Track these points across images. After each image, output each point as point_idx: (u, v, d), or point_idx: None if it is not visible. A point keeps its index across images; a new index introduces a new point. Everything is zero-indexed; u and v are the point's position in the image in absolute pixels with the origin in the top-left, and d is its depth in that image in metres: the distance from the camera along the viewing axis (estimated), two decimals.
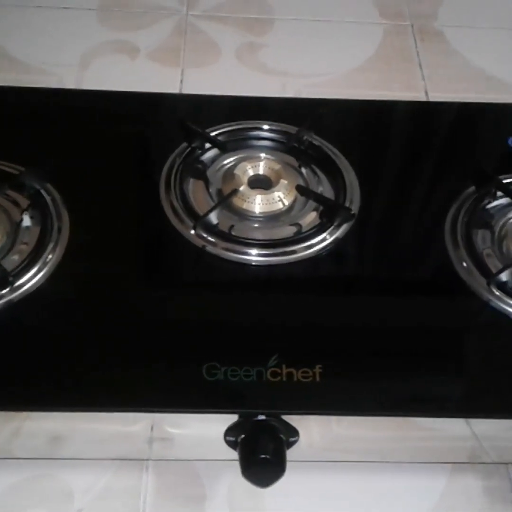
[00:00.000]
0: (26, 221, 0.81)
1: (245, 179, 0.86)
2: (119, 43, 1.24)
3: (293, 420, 0.70)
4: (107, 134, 0.94)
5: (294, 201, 0.86)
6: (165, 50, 1.23)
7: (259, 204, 0.84)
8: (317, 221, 0.85)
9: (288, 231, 0.84)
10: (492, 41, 1.28)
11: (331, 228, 0.83)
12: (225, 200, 0.84)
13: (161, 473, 0.80)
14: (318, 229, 0.83)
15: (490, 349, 0.76)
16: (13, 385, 0.69)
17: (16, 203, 0.83)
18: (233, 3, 1.32)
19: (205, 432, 0.75)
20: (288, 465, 0.68)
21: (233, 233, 0.83)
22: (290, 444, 0.71)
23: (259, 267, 0.81)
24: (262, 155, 0.91)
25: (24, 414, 0.73)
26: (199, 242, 0.81)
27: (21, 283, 0.76)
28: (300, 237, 0.83)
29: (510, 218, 0.86)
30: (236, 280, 0.80)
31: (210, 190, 0.88)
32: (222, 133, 0.93)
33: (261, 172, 0.88)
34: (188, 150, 0.90)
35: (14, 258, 0.78)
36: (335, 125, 0.97)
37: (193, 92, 1.13)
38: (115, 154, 0.92)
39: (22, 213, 0.81)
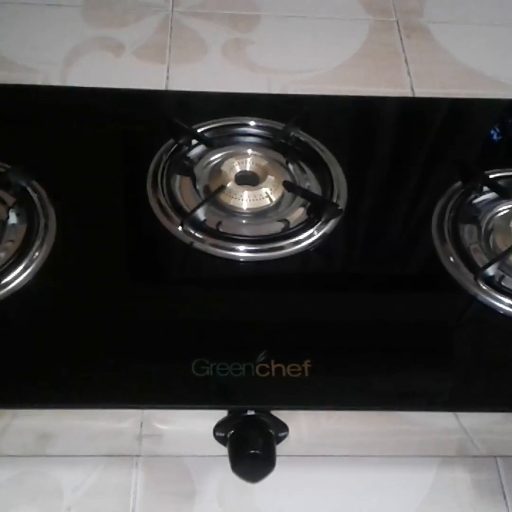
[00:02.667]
0: (12, 218, 0.81)
1: (232, 176, 0.86)
2: (104, 40, 1.23)
3: (282, 415, 0.70)
4: (93, 131, 0.94)
5: (282, 197, 0.86)
6: (151, 47, 1.23)
7: (246, 200, 0.84)
8: (305, 217, 0.85)
9: (275, 227, 0.84)
10: (478, 37, 1.29)
11: (319, 223, 0.83)
12: (212, 196, 0.84)
13: (151, 469, 0.80)
14: (306, 225, 0.84)
15: (477, 343, 0.76)
16: (1, 383, 0.69)
17: (2, 201, 0.82)
18: None
19: (194, 428, 0.75)
20: (278, 460, 0.68)
21: (220, 229, 0.83)
22: (280, 439, 0.71)
23: (247, 263, 0.81)
24: (249, 151, 0.91)
25: (12, 411, 0.73)
26: (186, 239, 0.81)
27: (7, 281, 0.75)
28: (288, 233, 0.83)
29: (496, 213, 0.87)
30: (224, 277, 0.80)
31: (197, 187, 0.88)
32: (209, 130, 0.93)
33: (248, 168, 0.88)
34: (174, 146, 0.90)
35: (1, 256, 0.77)
36: (321, 121, 0.98)
37: (179, 88, 1.13)
38: (101, 151, 0.92)
39: (8, 211, 0.81)
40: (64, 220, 0.82)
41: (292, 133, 0.92)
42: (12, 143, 0.90)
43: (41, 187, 0.84)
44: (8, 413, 0.73)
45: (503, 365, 0.74)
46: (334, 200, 0.85)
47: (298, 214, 0.85)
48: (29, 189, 0.83)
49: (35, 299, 0.75)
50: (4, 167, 0.84)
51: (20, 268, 0.76)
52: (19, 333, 0.73)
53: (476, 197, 0.88)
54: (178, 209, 0.83)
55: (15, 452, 0.79)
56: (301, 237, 0.82)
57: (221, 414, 0.70)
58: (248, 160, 0.88)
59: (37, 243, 0.79)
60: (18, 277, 0.76)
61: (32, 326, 0.73)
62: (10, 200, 0.82)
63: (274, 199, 0.85)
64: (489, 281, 0.78)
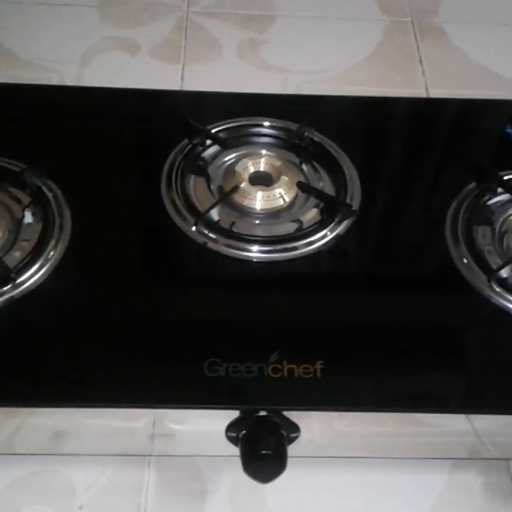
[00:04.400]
0: (28, 218, 0.81)
1: (246, 176, 0.86)
2: (119, 40, 1.24)
3: (294, 416, 0.70)
4: (107, 130, 0.94)
5: (295, 197, 0.86)
6: (166, 46, 1.23)
7: (260, 200, 0.84)
8: (318, 218, 0.85)
9: (289, 227, 0.84)
10: (493, 37, 1.28)
11: (332, 224, 0.83)
12: (226, 196, 0.84)
13: (163, 469, 0.80)
14: (319, 226, 0.83)
15: (490, 345, 0.76)
16: (15, 381, 0.69)
17: (17, 200, 0.83)
18: None
19: (206, 428, 0.76)
20: (289, 461, 0.68)
21: (234, 229, 0.83)
22: (291, 440, 0.71)
23: (260, 263, 0.81)
24: (263, 151, 0.91)
25: (26, 410, 0.73)
26: (200, 239, 0.82)
27: (23, 280, 0.76)
28: (301, 233, 0.83)
29: (510, 215, 0.86)
30: (237, 277, 0.81)
31: (211, 187, 0.88)
32: (223, 130, 0.93)
33: (262, 168, 0.88)
34: (189, 147, 0.90)
35: (16, 255, 0.78)
36: (336, 122, 0.97)
37: (194, 88, 1.13)
38: (116, 151, 0.92)
39: (23, 210, 0.82)
40: (79, 220, 0.82)
41: (306, 134, 0.92)
42: (28, 143, 0.90)
43: (56, 187, 0.85)
44: (22, 411, 0.74)
45: None
46: (348, 201, 0.85)
47: (311, 214, 0.85)
48: (45, 189, 0.84)
49: (50, 298, 0.76)
50: (20, 167, 0.84)
51: (35, 267, 0.77)
52: (34, 332, 0.73)
53: (490, 199, 0.87)
54: (192, 209, 0.83)
55: (29, 451, 0.80)
56: (314, 237, 0.82)
57: (233, 414, 0.71)
58: (262, 161, 0.88)
59: (52, 243, 0.79)
60: (33, 276, 0.76)
61: (47, 325, 0.74)
62: (25, 199, 0.83)
63: (287, 199, 0.85)
64: (502, 283, 0.78)
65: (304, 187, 0.87)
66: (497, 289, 0.78)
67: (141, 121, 0.96)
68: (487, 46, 1.27)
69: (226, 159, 0.91)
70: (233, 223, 0.84)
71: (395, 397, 0.71)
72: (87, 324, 0.74)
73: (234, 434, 0.71)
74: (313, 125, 0.92)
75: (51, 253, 0.78)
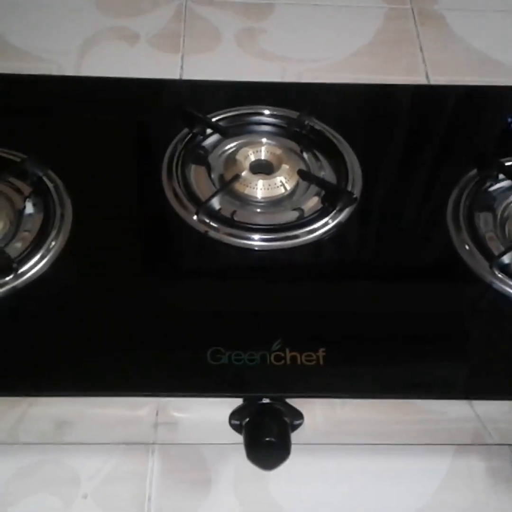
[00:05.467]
0: (29, 208, 0.81)
1: (247, 165, 0.86)
2: (118, 30, 1.23)
3: (297, 403, 0.71)
4: (107, 120, 0.94)
5: (296, 185, 0.86)
6: (165, 36, 1.23)
7: (261, 189, 0.84)
8: (319, 206, 0.85)
9: (290, 216, 0.84)
10: (493, 24, 1.28)
11: (333, 212, 0.83)
12: (227, 185, 0.84)
13: (167, 457, 0.81)
14: (320, 214, 0.83)
15: (492, 332, 0.76)
16: (18, 370, 0.69)
17: (18, 191, 0.83)
18: None
19: (210, 416, 0.76)
20: (293, 448, 0.69)
21: (235, 218, 0.83)
22: (295, 427, 0.71)
23: (261, 252, 0.81)
24: (264, 140, 0.91)
25: (30, 399, 0.73)
26: (201, 228, 0.82)
27: (24, 270, 0.76)
28: (303, 221, 0.83)
29: None
30: (239, 265, 0.81)
31: (212, 176, 0.88)
32: (223, 119, 0.93)
33: (262, 157, 0.88)
34: (189, 136, 0.90)
35: (18, 245, 0.78)
36: (336, 110, 0.97)
37: (194, 78, 1.13)
38: (116, 141, 0.92)
39: (24, 201, 0.82)
40: (80, 210, 0.82)
41: (306, 122, 0.92)
42: (28, 133, 0.90)
43: (57, 177, 0.85)
44: (26, 401, 0.74)
45: None
46: (349, 189, 0.85)
47: (312, 203, 0.85)
48: (45, 179, 0.84)
49: (52, 288, 0.76)
50: (20, 157, 0.84)
51: (37, 257, 0.77)
52: (36, 322, 0.73)
53: (491, 185, 0.87)
54: (193, 198, 0.83)
55: (32, 440, 0.80)
56: (316, 226, 0.82)
57: (237, 402, 0.71)
58: (262, 149, 0.88)
59: (53, 233, 0.79)
60: (35, 266, 0.76)
61: (49, 314, 0.74)
62: (26, 190, 0.83)
63: (288, 188, 0.85)
64: (504, 269, 0.78)
65: (305, 175, 0.87)
66: (499, 275, 0.78)
67: (141, 111, 0.96)
68: (487, 32, 1.26)
69: (226, 148, 0.91)
70: (234, 212, 0.84)
71: (397, 384, 0.71)
72: (89, 313, 0.74)
73: (237, 422, 0.71)
74: (313, 113, 0.92)
75: (53, 243, 0.78)
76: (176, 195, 0.84)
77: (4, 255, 0.75)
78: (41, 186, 0.83)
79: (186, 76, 1.16)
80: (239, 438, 0.70)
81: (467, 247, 0.81)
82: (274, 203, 0.85)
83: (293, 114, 0.93)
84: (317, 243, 0.82)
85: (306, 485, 0.79)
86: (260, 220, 0.83)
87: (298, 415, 0.71)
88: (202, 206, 0.81)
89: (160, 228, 0.84)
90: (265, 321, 0.75)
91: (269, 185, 0.85)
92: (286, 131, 0.93)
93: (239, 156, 0.86)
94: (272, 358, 0.70)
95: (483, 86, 1.06)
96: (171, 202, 0.84)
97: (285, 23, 1.27)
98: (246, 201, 0.85)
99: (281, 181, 0.85)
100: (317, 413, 0.76)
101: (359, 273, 0.81)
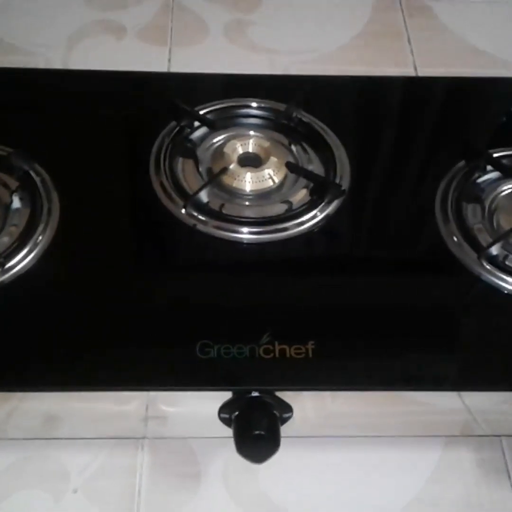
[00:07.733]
0: (16, 202, 0.81)
1: (234, 157, 0.86)
2: (105, 23, 1.22)
3: (288, 396, 0.71)
4: (95, 114, 0.93)
5: (285, 178, 0.86)
6: (152, 29, 1.22)
7: (249, 182, 0.84)
8: (308, 198, 0.85)
9: (279, 208, 0.84)
10: (481, 16, 1.28)
11: (322, 204, 0.83)
12: (215, 178, 0.84)
13: (157, 451, 0.80)
14: (309, 206, 0.83)
15: (481, 323, 0.76)
16: (7, 366, 0.69)
17: (5, 185, 0.82)
18: None
19: (199, 410, 0.76)
20: (283, 441, 0.69)
21: (224, 211, 0.83)
22: (284, 420, 0.71)
23: (250, 245, 0.81)
24: (251, 132, 0.91)
25: (19, 394, 0.73)
26: (190, 221, 0.81)
27: (12, 265, 0.75)
28: (291, 214, 0.83)
29: (500, 192, 0.86)
30: (228, 258, 0.80)
31: (200, 169, 0.87)
32: (211, 111, 0.93)
33: (250, 150, 0.87)
34: (177, 129, 0.90)
35: (5, 240, 0.78)
36: (324, 102, 0.97)
37: (181, 70, 1.12)
38: (103, 134, 0.91)
39: (11, 195, 0.81)
40: (67, 204, 0.82)
41: (294, 114, 0.92)
42: (14, 127, 0.90)
43: (43, 171, 0.84)
44: (15, 396, 0.74)
45: (507, 344, 0.74)
46: (337, 181, 0.85)
47: (301, 195, 0.85)
48: (32, 173, 0.83)
49: (39, 283, 0.75)
50: (6, 151, 0.84)
51: (24, 252, 0.76)
52: (24, 317, 0.73)
53: (479, 177, 0.87)
54: (181, 191, 0.83)
55: (22, 435, 0.80)
56: (304, 218, 0.82)
57: (226, 395, 0.71)
58: (250, 142, 0.88)
59: (40, 227, 0.79)
60: (22, 261, 0.76)
61: (37, 309, 0.74)
62: (13, 184, 0.82)
63: (277, 180, 0.85)
64: (493, 260, 0.78)
65: (293, 167, 0.87)
66: (487, 267, 0.78)
67: (128, 104, 0.96)
68: (476, 24, 1.26)
69: (214, 140, 0.91)
70: (222, 205, 0.83)
71: (387, 376, 0.71)
72: (77, 308, 0.74)
73: (227, 415, 0.71)
74: (301, 105, 0.92)
75: (40, 238, 0.78)
76: (164, 188, 0.84)
77: None
78: (27, 180, 0.82)
79: (173, 69, 1.16)
80: (229, 431, 0.70)
81: (455, 238, 0.81)
82: (263, 196, 0.85)
83: (281, 106, 0.92)
84: (306, 236, 0.82)
85: (296, 478, 0.79)
86: (249, 213, 0.83)
87: (288, 408, 0.71)
88: (190, 200, 0.81)
89: (148, 222, 0.84)
90: (254, 314, 0.74)
91: (257, 178, 0.84)
92: (274, 124, 0.92)
93: (227, 149, 0.86)
94: (261, 351, 0.70)
95: (471, 77, 1.06)
96: (159, 196, 0.83)
97: (273, 15, 1.26)
98: (234, 194, 0.84)
99: (269, 174, 0.84)
100: (307, 406, 0.76)
101: (348, 265, 0.81)
